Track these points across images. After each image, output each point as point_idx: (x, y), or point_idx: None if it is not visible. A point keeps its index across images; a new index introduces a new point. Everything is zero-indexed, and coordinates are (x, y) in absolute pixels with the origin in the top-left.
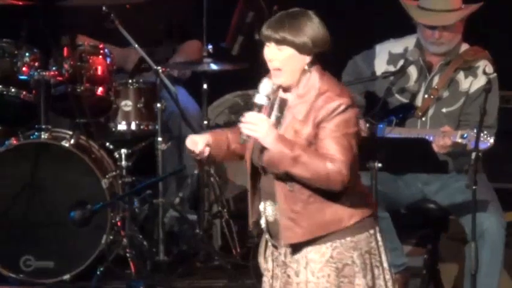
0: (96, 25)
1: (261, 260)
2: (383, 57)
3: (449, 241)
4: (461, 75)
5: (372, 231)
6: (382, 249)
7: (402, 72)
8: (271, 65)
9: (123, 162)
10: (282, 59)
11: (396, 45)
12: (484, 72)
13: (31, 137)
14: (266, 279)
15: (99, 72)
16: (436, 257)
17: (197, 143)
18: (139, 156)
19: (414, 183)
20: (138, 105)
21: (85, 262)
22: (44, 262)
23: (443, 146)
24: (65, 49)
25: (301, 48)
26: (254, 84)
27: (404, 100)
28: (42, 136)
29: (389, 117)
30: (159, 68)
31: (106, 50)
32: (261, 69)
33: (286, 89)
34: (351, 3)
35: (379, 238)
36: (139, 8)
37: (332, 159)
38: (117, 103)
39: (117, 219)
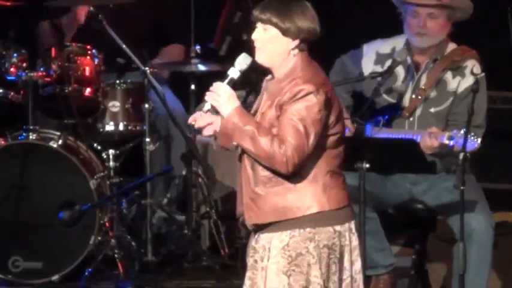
0: (83, 26)
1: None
2: (370, 57)
3: (437, 241)
4: (449, 75)
5: (338, 228)
6: (347, 248)
7: (390, 72)
8: (255, 44)
9: (111, 163)
10: (265, 38)
11: (383, 46)
12: (472, 73)
13: (19, 137)
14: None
15: (87, 72)
16: (424, 257)
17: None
18: (127, 156)
19: (402, 183)
20: (126, 106)
21: (73, 263)
22: (32, 263)
23: (430, 146)
24: (53, 50)
25: (285, 31)
26: (242, 85)
27: (392, 100)
28: (30, 137)
29: (377, 118)
30: (147, 68)
31: (94, 51)
32: (248, 70)
33: (269, 71)
34: (340, 2)
35: (348, 237)
36: (125, 8)
37: (281, 140)
38: (105, 104)
39: (105, 220)
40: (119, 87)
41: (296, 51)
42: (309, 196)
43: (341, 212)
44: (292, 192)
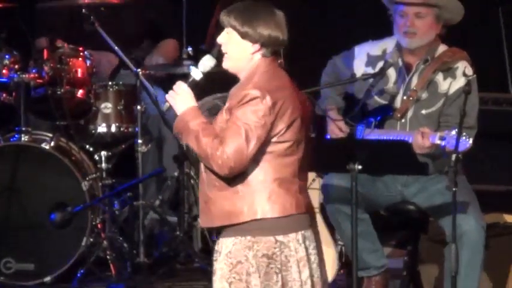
0: (74, 27)
1: None
2: (361, 58)
3: (429, 243)
4: (440, 77)
5: (280, 238)
6: (293, 259)
7: (382, 74)
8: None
9: (103, 165)
10: (228, 43)
11: (374, 47)
12: (464, 74)
13: (11, 139)
14: None
15: (79, 74)
16: (416, 258)
17: None
18: (119, 158)
19: (394, 185)
20: (118, 108)
21: (65, 264)
22: (24, 264)
23: (421, 146)
24: (45, 51)
25: (244, 35)
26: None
27: (383, 102)
28: (22, 138)
29: (368, 119)
30: (139, 70)
31: (86, 53)
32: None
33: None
34: (332, 5)
35: (294, 248)
36: (116, 9)
37: (221, 142)
38: (97, 105)
39: (97, 221)
40: (111, 89)
41: (258, 56)
42: (253, 202)
43: (286, 220)
44: (238, 197)
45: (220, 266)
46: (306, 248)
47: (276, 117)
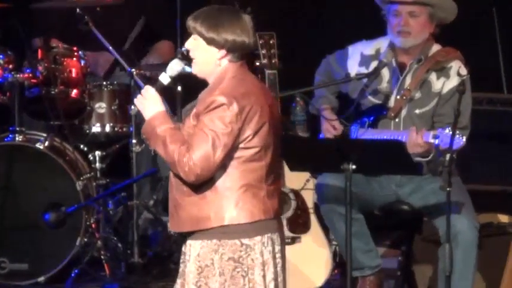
0: (68, 28)
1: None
2: (355, 58)
3: (424, 243)
4: (433, 76)
5: (245, 241)
6: (258, 262)
7: (376, 73)
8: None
9: (98, 164)
10: (195, 49)
11: (368, 47)
12: (458, 74)
13: (5, 139)
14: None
15: (74, 74)
16: (410, 258)
17: None
18: (113, 158)
19: (388, 185)
20: (113, 108)
21: (59, 264)
22: (18, 264)
23: (415, 144)
24: (39, 51)
25: (209, 41)
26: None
27: (377, 101)
28: (16, 138)
29: (362, 119)
30: (133, 70)
31: (80, 53)
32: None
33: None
34: (322, 6)
35: (259, 251)
36: (111, 9)
37: (188, 149)
38: (92, 105)
39: (92, 221)
40: (105, 89)
41: (225, 61)
42: (220, 209)
43: (253, 225)
44: (206, 203)
45: (189, 269)
46: (272, 251)
47: (243, 124)
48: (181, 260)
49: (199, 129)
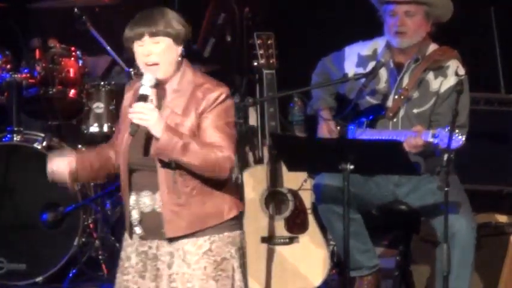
0: (66, 28)
1: (121, 257)
2: (352, 59)
3: (421, 243)
4: (430, 76)
5: (243, 230)
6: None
7: (374, 73)
8: (147, 60)
9: None
10: (159, 51)
11: (364, 48)
12: (456, 74)
13: (3, 139)
14: (129, 277)
15: (71, 74)
16: (408, 258)
17: (60, 170)
18: None
19: (386, 184)
20: (110, 107)
21: (57, 264)
22: (16, 264)
23: (414, 145)
24: (37, 51)
25: (176, 38)
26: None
27: (375, 102)
28: (14, 138)
29: (360, 119)
30: (131, 70)
31: (78, 53)
32: (232, 71)
33: (160, 84)
34: (320, 6)
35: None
36: (108, 9)
37: (219, 146)
38: (89, 105)
39: (89, 221)
40: (103, 89)
41: (181, 58)
42: (226, 201)
43: (240, 214)
44: (211, 200)
45: (198, 266)
46: None
47: None
48: (167, 261)
49: (215, 126)
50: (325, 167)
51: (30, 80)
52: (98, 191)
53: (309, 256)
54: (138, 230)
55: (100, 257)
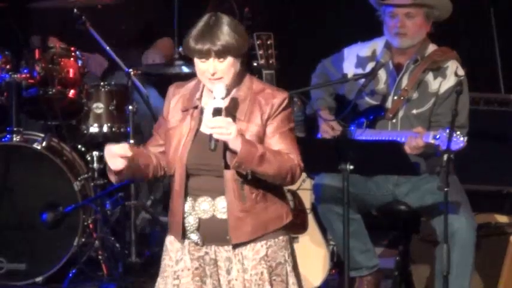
0: (66, 28)
1: (167, 261)
2: (351, 60)
3: (421, 242)
4: (430, 76)
5: (290, 234)
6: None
7: (373, 74)
8: (212, 76)
9: (95, 165)
10: (224, 68)
11: (363, 49)
12: (456, 74)
13: (3, 139)
14: (187, 280)
15: (71, 74)
16: (408, 258)
17: (116, 154)
18: None
19: (385, 185)
20: (110, 108)
21: (57, 264)
22: (15, 264)
23: (415, 147)
24: (36, 51)
25: (239, 52)
26: None
27: (374, 102)
28: (14, 139)
29: (360, 120)
30: (130, 70)
31: (77, 53)
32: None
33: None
34: (319, 7)
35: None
36: (110, 9)
37: (289, 153)
38: (89, 105)
39: (89, 222)
40: (102, 89)
41: (242, 67)
42: (284, 206)
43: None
44: (272, 205)
45: (255, 271)
46: None
47: None
48: (226, 267)
49: (281, 132)
50: (325, 167)
51: (29, 80)
52: (98, 191)
53: (308, 256)
54: (193, 236)
55: (100, 257)
